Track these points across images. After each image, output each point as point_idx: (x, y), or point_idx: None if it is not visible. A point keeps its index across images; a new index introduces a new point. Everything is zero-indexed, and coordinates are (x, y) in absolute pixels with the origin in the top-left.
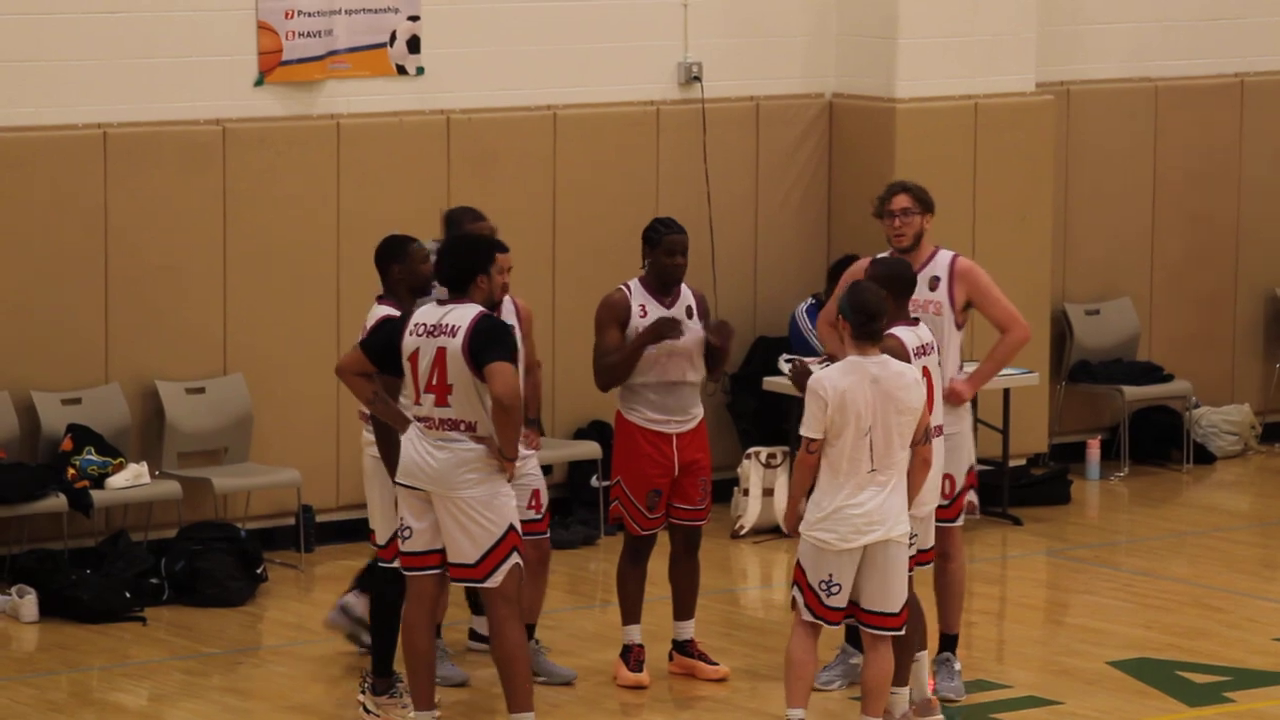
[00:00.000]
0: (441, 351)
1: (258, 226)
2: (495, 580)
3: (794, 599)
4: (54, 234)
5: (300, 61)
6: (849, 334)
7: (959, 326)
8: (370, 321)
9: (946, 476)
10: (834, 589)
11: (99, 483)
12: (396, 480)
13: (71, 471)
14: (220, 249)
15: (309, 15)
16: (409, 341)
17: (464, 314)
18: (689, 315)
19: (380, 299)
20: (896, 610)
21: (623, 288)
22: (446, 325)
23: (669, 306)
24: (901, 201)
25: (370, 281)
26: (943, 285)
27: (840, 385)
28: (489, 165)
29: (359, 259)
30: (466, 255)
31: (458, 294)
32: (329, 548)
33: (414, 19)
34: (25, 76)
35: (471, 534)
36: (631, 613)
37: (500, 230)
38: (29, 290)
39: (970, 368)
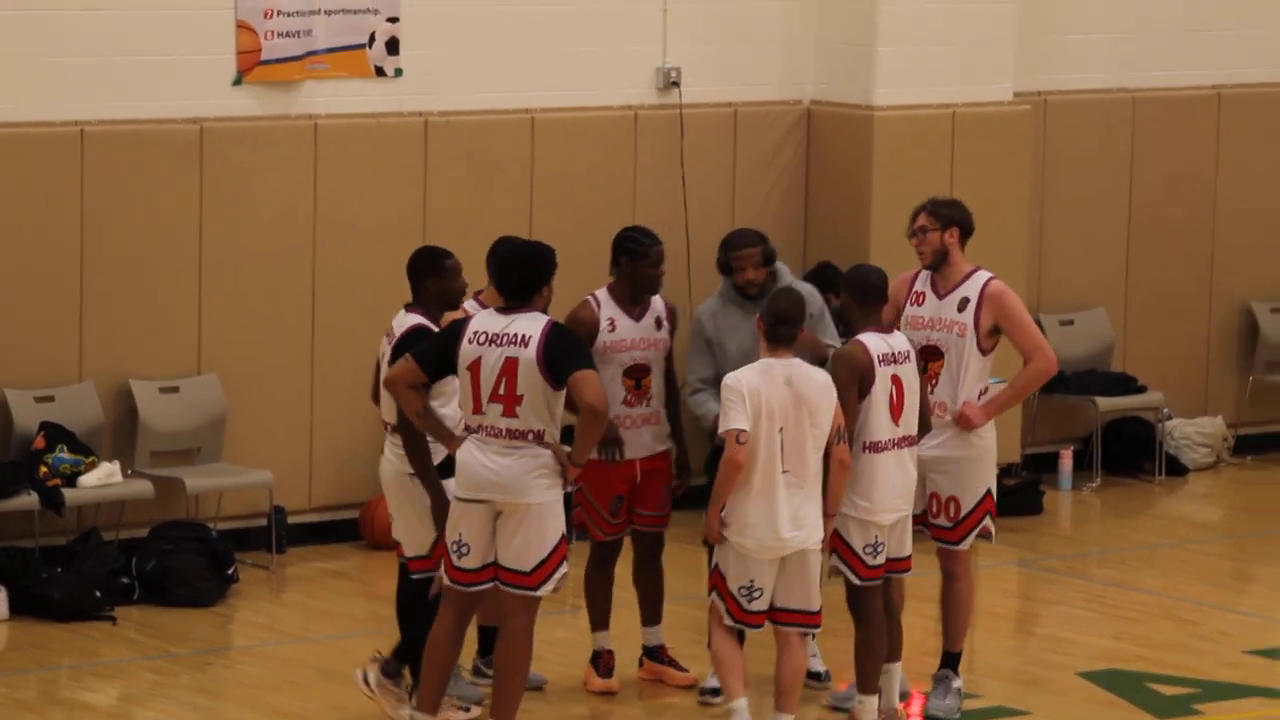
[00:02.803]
0: (512, 361)
1: (234, 226)
2: (546, 589)
3: (713, 604)
4: (29, 231)
5: (279, 61)
6: (762, 335)
7: (984, 351)
8: (399, 329)
9: (951, 499)
10: (755, 594)
11: (71, 481)
12: (459, 495)
13: (43, 469)
14: (196, 248)
15: (288, 15)
16: (468, 349)
17: (532, 324)
18: (658, 326)
19: (409, 308)
20: (815, 609)
21: (590, 300)
22: (515, 335)
23: (639, 317)
24: (920, 220)
25: (345, 282)
26: (970, 307)
27: (754, 384)
28: (467, 168)
29: (335, 260)
30: (532, 265)
31: (519, 303)
32: (301, 549)
33: (393, 20)
34: (2, 73)
35: (534, 540)
36: (600, 619)
37: (476, 232)
38: (3, 287)
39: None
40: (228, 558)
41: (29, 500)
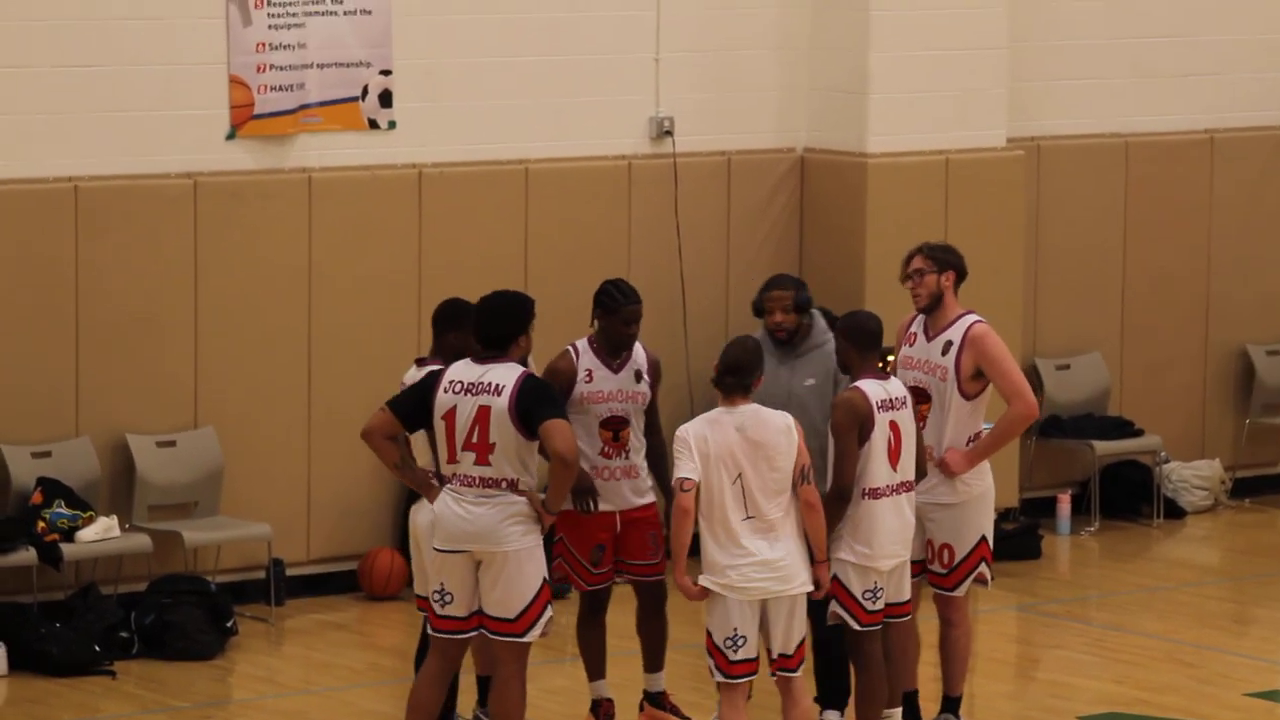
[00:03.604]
0: (485, 410)
1: (229, 279)
2: (532, 635)
3: (710, 668)
4: (24, 287)
5: (272, 115)
6: (713, 381)
7: (966, 396)
8: (409, 382)
9: (945, 546)
10: (740, 642)
11: (69, 536)
12: (436, 546)
13: (41, 525)
14: (191, 302)
15: (281, 69)
16: (443, 399)
17: (507, 374)
18: (638, 379)
19: (420, 361)
20: (791, 652)
21: (569, 351)
22: (489, 384)
23: (618, 369)
24: (916, 262)
25: (341, 333)
26: (953, 351)
27: (702, 433)
28: (461, 219)
29: (331, 312)
30: (509, 314)
31: (495, 352)
32: (299, 601)
33: (386, 73)
34: None
35: (515, 588)
36: (595, 669)
37: (472, 284)
38: None
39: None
40: (227, 611)
41: (27, 556)
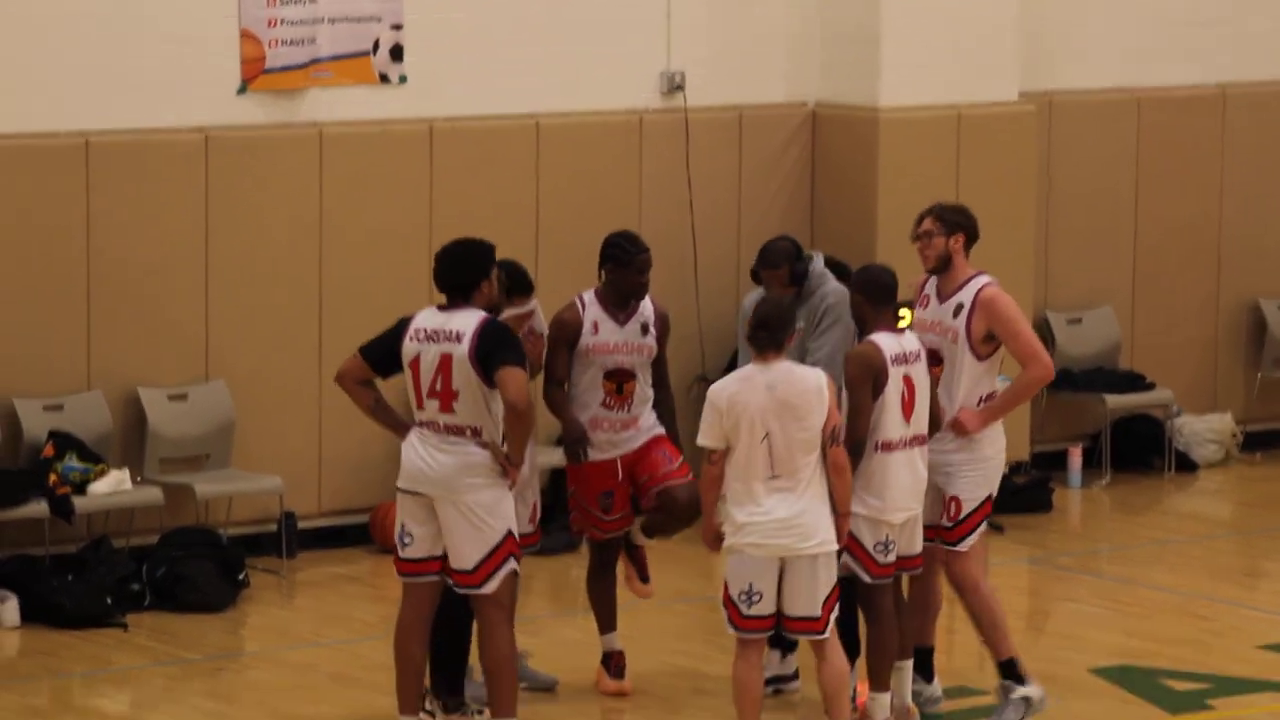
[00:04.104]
0: (447, 357)
1: (240, 234)
2: (490, 587)
3: (725, 619)
4: (36, 241)
5: (283, 70)
6: (746, 338)
7: (979, 357)
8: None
9: (953, 499)
10: (755, 598)
11: (81, 489)
12: (398, 486)
13: (53, 478)
14: (202, 256)
15: (292, 24)
16: (409, 347)
17: (468, 319)
18: (644, 332)
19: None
20: (817, 614)
21: (575, 302)
22: (450, 331)
23: (624, 322)
24: (926, 224)
25: (351, 287)
26: (963, 313)
27: (731, 390)
28: (472, 173)
29: (342, 266)
30: (468, 261)
31: (459, 299)
32: (311, 554)
33: (397, 27)
34: (7, 84)
35: (471, 539)
36: (606, 621)
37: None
38: (10, 297)
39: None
40: (238, 563)
41: (39, 509)
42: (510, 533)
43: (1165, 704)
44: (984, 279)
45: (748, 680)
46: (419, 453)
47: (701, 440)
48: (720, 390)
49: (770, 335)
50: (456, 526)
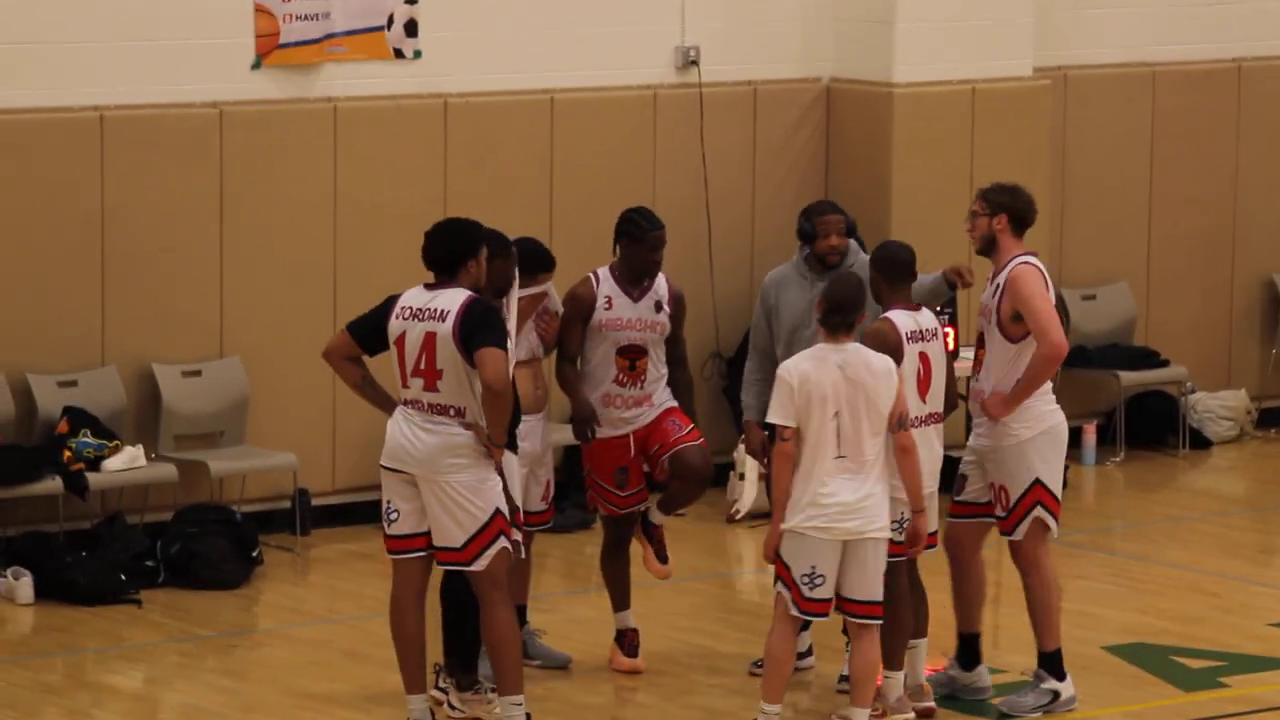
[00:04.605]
0: (431, 336)
1: (254, 209)
2: (481, 564)
3: (779, 594)
4: (50, 217)
5: (297, 44)
6: (818, 321)
7: (1010, 338)
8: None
9: (1001, 488)
10: (818, 580)
11: (95, 465)
12: (382, 463)
13: (67, 454)
14: (217, 232)
15: None
16: (395, 325)
17: (453, 298)
18: (658, 309)
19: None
20: (878, 599)
21: (590, 278)
22: (435, 310)
23: (638, 298)
24: (973, 204)
25: (365, 263)
26: (997, 294)
27: (803, 368)
28: (486, 149)
29: (356, 242)
30: (455, 239)
31: (445, 278)
32: (324, 531)
33: (411, 2)
34: (21, 58)
35: (458, 518)
36: (620, 599)
37: (497, 214)
38: (25, 273)
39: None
40: (252, 540)
41: (53, 485)
42: (499, 511)
43: (1178, 681)
44: (1022, 258)
45: (782, 654)
46: (403, 431)
47: (772, 417)
48: (792, 368)
49: (844, 318)
50: (440, 506)
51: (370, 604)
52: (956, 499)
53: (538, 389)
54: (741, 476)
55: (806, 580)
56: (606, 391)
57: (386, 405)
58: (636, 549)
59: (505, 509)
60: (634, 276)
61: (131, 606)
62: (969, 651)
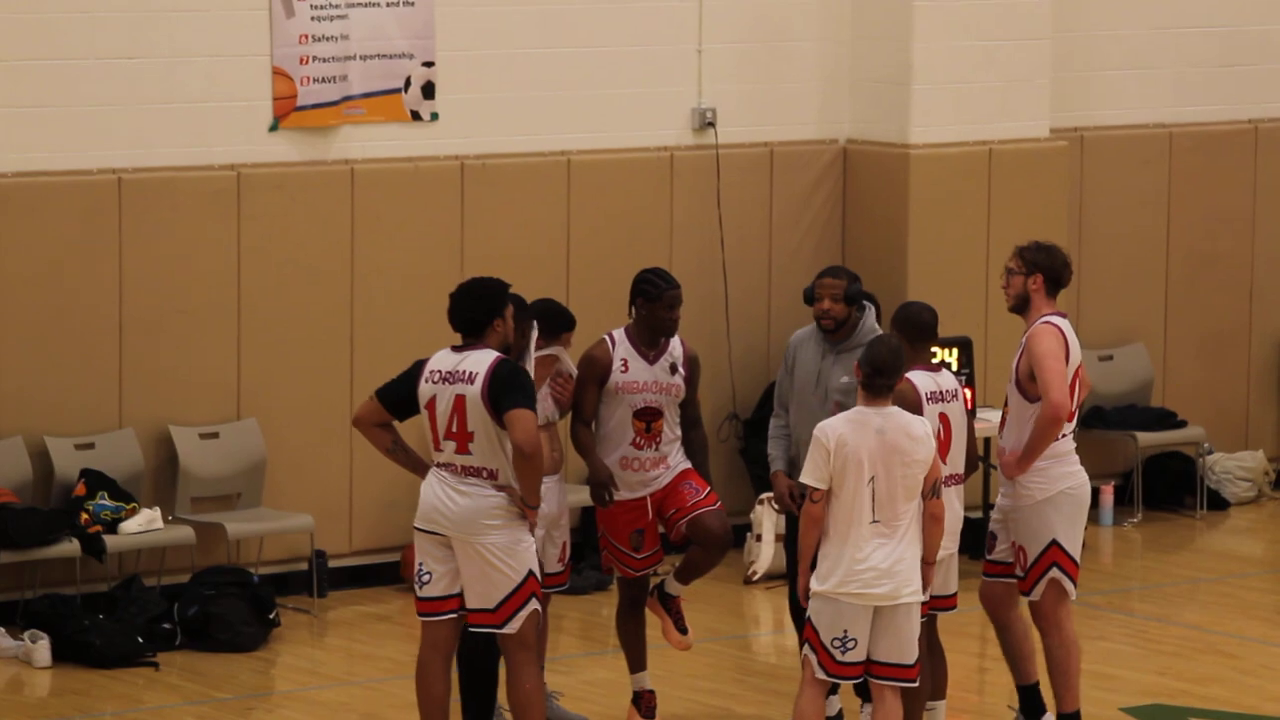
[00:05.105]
0: (460, 399)
1: (272, 272)
2: (513, 626)
3: (805, 658)
4: (68, 279)
5: (315, 107)
6: (859, 385)
7: (1027, 398)
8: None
9: (1020, 548)
10: (849, 645)
11: (112, 528)
12: (416, 525)
13: (84, 516)
14: (235, 294)
15: (324, 61)
16: (425, 389)
17: (481, 360)
18: (673, 371)
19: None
20: (911, 662)
21: (606, 339)
22: (463, 372)
23: (654, 360)
24: (1009, 261)
25: (383, 325)
26: (1018, 353)
27: (841, 431)
28: (503, 211)
29: (373, 304)
30: (481, 300)
31: (472, 339)
32: (342, 593)
33: (428, 65)
34: (40, 121)
35: (492, 580)
36: (636, 661)
37: (514, 276)
38: (42, 335)
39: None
40: (269, 602)
41: (70, 547)
42: (532, 573)
43: None
44: (1047, 318)
45: (810, 716)
46: (437, 493)
47: (805, 477)
48: (830, 430)
49: (886, 380)
50: (475, 568)
51: (388, 666)
52: (988, 558)
53: (554, 451)
54: (759, 538)
55: (838, 644)
56: (624, 455)
57: (419, 469)
58: (659, 622)
59: (538, 570)
60: (650, 337)
61: (149, 669)
62: (1030, 702)
